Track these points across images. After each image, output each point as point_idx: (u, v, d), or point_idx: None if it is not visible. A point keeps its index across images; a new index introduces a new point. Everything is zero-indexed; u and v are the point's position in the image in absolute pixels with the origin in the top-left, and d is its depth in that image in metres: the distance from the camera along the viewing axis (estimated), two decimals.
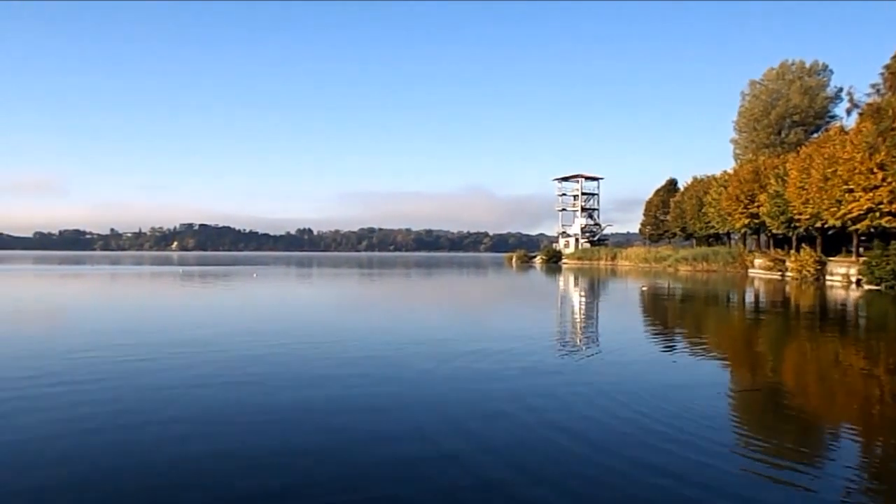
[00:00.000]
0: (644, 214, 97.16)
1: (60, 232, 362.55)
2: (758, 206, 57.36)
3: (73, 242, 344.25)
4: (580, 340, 14.98)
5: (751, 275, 53.25)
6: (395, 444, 6.52)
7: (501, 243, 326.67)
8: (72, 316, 20.06)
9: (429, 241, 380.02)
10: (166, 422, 7.30)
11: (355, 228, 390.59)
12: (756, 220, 59.16)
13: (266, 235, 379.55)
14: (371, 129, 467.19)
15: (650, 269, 68.34)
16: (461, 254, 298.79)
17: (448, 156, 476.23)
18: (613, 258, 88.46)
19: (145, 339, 13.77)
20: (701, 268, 62.99)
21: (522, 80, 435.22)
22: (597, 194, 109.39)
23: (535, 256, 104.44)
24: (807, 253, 46.21)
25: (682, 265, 66.22)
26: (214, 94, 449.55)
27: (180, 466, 5.81)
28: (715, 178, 70.74)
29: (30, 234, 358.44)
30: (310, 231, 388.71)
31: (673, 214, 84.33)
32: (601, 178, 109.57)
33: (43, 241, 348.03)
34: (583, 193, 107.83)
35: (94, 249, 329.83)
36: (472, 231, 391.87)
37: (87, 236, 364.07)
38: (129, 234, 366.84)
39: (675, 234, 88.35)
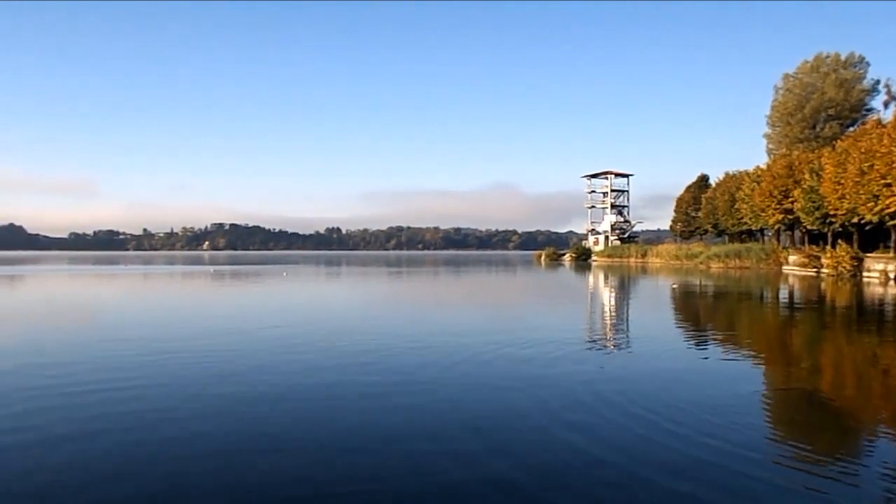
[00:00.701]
0: (675, 211, 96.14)
1: (95, 232, 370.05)
2: (792, 202, 56.37)
3: (106, 243, 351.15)
4: (609, 338, 14.81)
5: (785, 272, 52.29)
6: (409, 444, 6.46)
7: (530, 241, 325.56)
8: (115, 315, 20.40)
9: (457, 240, 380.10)
10: (185, 419, 7.36)
11: (384, 227, 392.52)
12: (790, 216, 58.14)
13: (295, 235, 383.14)
14: (399, 128, 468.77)
15: (681, 267, 67.47)
16: (490, 252, 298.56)
17: (476, 153, 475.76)
18: (644, 255, 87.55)
19: (175, 336, 13.94)
20: (733, 265, 62.02)
21: (551, 76, 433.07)
22: (626, 191, 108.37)
23: (564, 254, 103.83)
24: (843, 249, 45.27)
25: (713, 262, 65.25)
26: (244, 95, 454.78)
27: (201, 458, 5.84)
28: (747, 174, 69.64)
29: (65, 235, 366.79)
30: (338, 230, 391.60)
31: (704, 211, 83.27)
32: (631, 175, 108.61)
33: (78, 242, 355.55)
34: (612, 190, 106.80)
35: (127, 249, 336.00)
36: (501, 229, 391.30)
37: (121, 236, 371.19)
38: (161, 234, 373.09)
39: (706, 231, 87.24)
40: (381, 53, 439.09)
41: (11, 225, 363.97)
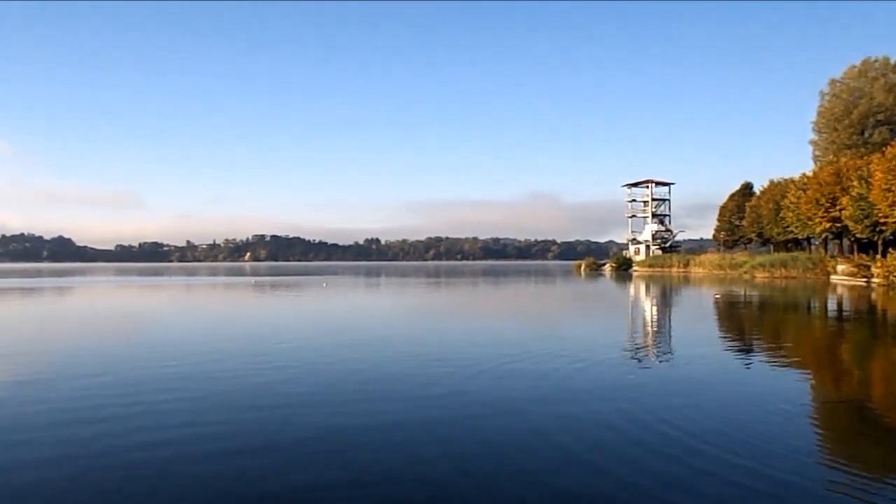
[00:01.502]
0: (718, 220, 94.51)
1: (140, 244, 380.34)
2: (840, 210, 54.91)
3: (151, 254, 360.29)
4: (650, 349, 14.56)
5: (833, 281, 50.85)
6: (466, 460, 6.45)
7: (569, 251, 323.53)
8: (166, 327, 20.86)
9: (496, 250, 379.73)
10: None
11: (422, 238, 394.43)
12: (838, 224, 56.63)
13: (335, 246, 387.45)
14: (438, 139, 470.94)
15: (725, 276, 66.17)
16: (528, 262, 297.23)
17: (515, 163, 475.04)
18: (686, 265, 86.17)
19: (219, 348, 14.19)
20: (779, 274, 60.57)
21: (590, 84, 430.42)
22: (668, 200, 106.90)
23: (604, 264, 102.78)
24: (894, 258, 43.87)
25: (758, 272, 63.82)
26: (285, 108, 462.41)
27: (240, 461, 5.92)
28: (793, 181, 68.07)
29: (111, 247, 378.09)
30: (377, 241, 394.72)
31: (749, 219, 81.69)
32: (672, 184, 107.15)
33: (123, 254, 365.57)
34: (653, 199, 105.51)
35: (171, 261, 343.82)
36: (540, 239, 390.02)
37: (165, 248, 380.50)
38: (204, 246, 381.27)
39: (750, 240, 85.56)
40: (420, 66, 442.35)
41: (60, 237, 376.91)
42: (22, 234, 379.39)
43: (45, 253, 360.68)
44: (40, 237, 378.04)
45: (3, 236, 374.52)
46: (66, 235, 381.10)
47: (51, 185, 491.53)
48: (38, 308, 28.79)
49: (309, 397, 9.08)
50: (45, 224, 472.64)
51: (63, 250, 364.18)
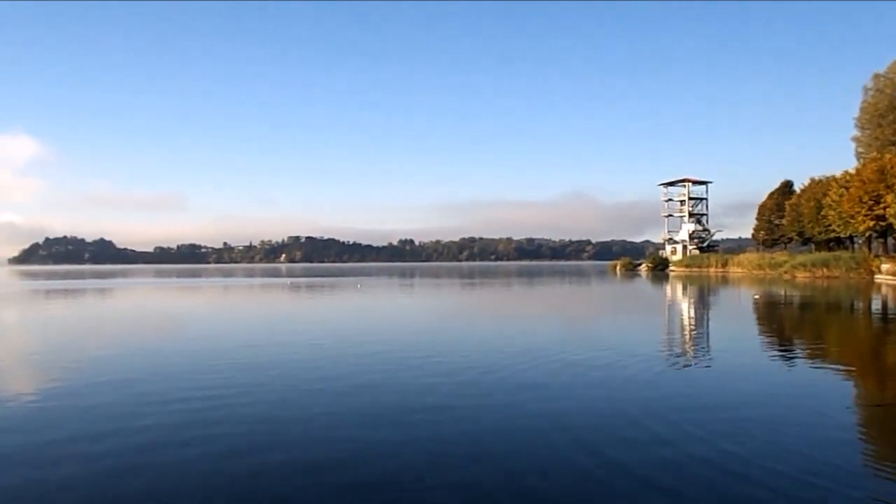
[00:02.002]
0: (757, 219, 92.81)
1: (178, 246, 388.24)
2: (884, 208, 53.48)
3: (189, 256, 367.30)
4: (688, 351, 14.37)
5: (877, 281, 49.55)
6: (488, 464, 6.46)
7: (605, 251, 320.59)
8: (210, 326, 21.27)
9: (530, 250, 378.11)
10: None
11: (456, 238, 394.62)
12: (882, 223, 55.17)
13: (369, 247, 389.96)
14: (471, 138, 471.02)
15: (765, 276, 64.94)
16: (563, 262, 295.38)
17: (549, 163, 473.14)
18: (724, 265, 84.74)
19: (251, 350, 14.44)
20: (821, 274, 59.20)
21: (624, 82, 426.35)
22: (705, 199, 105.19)
23: (640, 264, 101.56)
24: None
25: (799, 272, 62.46)
26: (322, 112, 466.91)
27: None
28: (835, 179, 66.51)
29: (150, 249, 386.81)
30: (411, 242, 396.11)
31: (789, 218, 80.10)
32: (710, 182, 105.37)
33: (162, 255, 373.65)
34: (690, 198, 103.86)
35: (208, 262, 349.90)
36: (575, 239, 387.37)
37: (203, 250, 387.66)
38: (240, 248, 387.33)
39: (791, 239, 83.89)
40: (454, 65, 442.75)
41: (102, 239, 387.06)
42: (65, 237, 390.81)
43: (87, 255, 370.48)
44: (82, 239, 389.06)
45: (47, 239, 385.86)
46: (107, 238, 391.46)
47: (94, 189, 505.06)
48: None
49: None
50: (87, 226, 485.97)
51: (104, 252, 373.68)
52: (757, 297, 34.09)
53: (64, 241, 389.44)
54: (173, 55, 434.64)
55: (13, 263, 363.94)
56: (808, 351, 14.46)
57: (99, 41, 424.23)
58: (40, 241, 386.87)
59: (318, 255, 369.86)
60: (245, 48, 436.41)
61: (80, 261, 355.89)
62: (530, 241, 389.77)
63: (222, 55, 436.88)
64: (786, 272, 64.77)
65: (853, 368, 12.38)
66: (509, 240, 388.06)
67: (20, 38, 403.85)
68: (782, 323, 21.81)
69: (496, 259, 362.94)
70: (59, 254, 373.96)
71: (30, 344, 16.72)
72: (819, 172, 76.29)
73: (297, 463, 6.27)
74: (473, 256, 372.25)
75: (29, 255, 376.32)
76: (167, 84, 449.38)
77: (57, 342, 16.71)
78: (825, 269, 59.48)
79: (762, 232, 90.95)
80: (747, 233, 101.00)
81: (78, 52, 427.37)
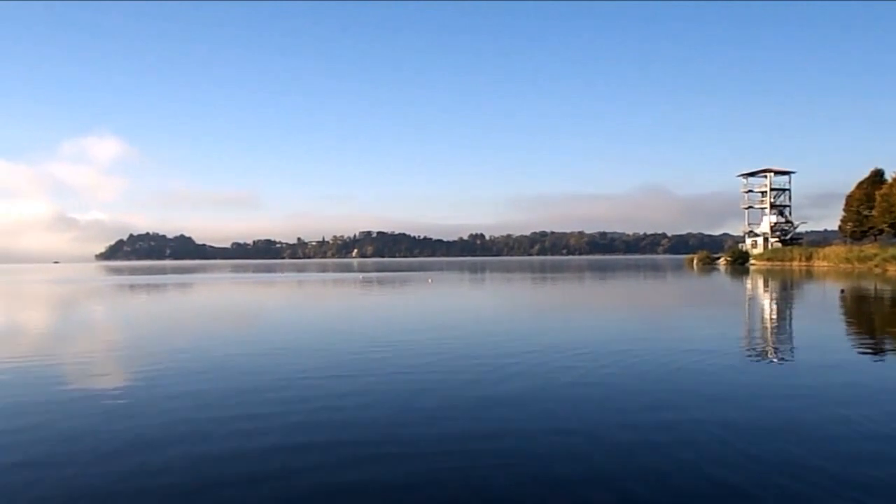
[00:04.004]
0: (844, 210, 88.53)
1: (254, 242, 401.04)
2: None
3: (264, 251, 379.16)
4: (768, 350, 13.87)
5: None
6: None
7: (681, 245, 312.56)
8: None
9: (603, 244, 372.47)
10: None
11: (527, 232, 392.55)
12: None
13: (439, 241, 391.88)
14: (542, 132, 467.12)
15: (852, 270, 61.93)
16: (637, 256, 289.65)
17: (622, 155, 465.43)
18: (808, 258, 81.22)
19: (326, 345, 14.74)
20: None
21: (700, 71, 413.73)
22: (788, 189, 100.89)
23: (718, 258, 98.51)
24: None
25: (891, 265, 59.26)
26: (393, 108, 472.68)
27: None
28: None
29: (227, 245, 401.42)
30: (482, 236, 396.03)
31: (879, 209, 76.11)
32: (793, 172, 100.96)
33: (238, 251, 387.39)
34: (772, 189, 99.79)
35: (282, 257, 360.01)
36: (649, 232, 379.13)
37: (277, 245, 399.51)
38: (313, 243, 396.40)
39: (881, 231, 79.69)
40: (525, 59, 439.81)
41: (182, 236, 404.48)
42: (147, 234, 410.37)
43: (168, 251, 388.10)
44: (163, 236, 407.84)
45: (131, 235, 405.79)
46: (186, 234, 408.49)
47: (173, 187, 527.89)
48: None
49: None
50: (168, 224, 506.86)
51: (183, 248, 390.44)
52: (844, 291, 32.57)
53: (146, 237, 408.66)
54: (247, 55, 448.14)
55: (99, 259, 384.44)
56: None
57: (178, 43, 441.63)
58: (124, 237, 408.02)
59: (389, 249, 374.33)
60: (321, 47, 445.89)
61: (162, 256, 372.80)
62: (603, 234, 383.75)
63: (294, 56, 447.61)
64: (876, 265, 61.59)
65: None
66: (581, 234, 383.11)
67: (106, 44, 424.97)
68: (872, 320, 20.72)
69: (568, 253, 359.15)
70: (142, 250, 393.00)
71: (135, 335, 17.51)
72: None
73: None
74: (545, 251, 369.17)
75: (114, 252, 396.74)
76: (242, 84, 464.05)
77: (161, 334, 17.49)
78: None
79: (850, 224, 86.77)
80: (833, 225, 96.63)
81: (162, 54, 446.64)
